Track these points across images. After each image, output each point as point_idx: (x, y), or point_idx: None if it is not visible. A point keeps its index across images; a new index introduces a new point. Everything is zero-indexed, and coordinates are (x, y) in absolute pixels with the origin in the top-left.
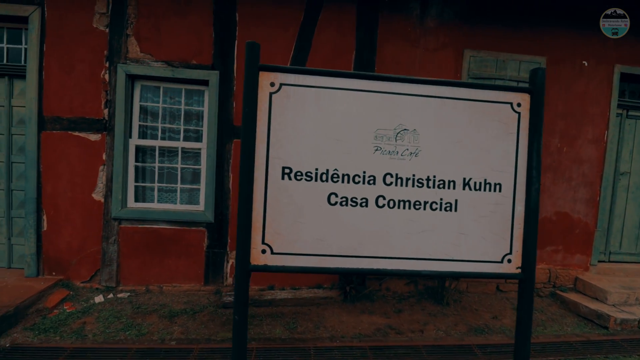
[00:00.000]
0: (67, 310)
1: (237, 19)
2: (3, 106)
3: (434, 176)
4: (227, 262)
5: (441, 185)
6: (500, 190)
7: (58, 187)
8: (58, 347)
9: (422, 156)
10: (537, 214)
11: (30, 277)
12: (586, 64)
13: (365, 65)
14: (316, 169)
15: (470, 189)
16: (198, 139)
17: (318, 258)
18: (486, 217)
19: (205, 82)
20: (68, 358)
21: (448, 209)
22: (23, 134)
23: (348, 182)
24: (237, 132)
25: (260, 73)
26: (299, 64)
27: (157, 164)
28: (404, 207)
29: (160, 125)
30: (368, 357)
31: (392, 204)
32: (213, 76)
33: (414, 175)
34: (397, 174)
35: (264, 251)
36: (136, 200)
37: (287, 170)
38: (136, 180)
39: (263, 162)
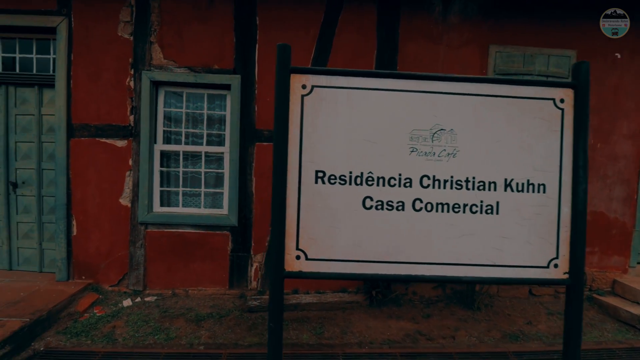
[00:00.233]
0: (97, 314)
1: (257, 23)
2: (33, 115)
3: (473, 177)
4: (251, 265)
5: (481, 187)
6: (544, 191)
7: (87, 192)
8: (90, 351)
9: (460, 157)
10: (585, 215)
11: (61, 281)
12: (619, 57)
13: (386, 65)
14: (350, 172)
15: (512, 190)
16: (220, 143)
17: (354, 264)
18: (530, 220)
19: (227, 87)
20: None
21: (489, 211)
22: (53, 142)
23: (383, 185)
24: (260, 135)
25: (292, 75)
26: (320, 66)
27: (181, 169)
28: (443, 211)
29: (183, 130)
30: None
31: (430, 207)
32: (235, 80)
33: (452, 176)
34: (434, 176)
35: (298, 257)
36: (161, 204)
37: (320, 174)
38: (161, 185)
39: (296, 166)
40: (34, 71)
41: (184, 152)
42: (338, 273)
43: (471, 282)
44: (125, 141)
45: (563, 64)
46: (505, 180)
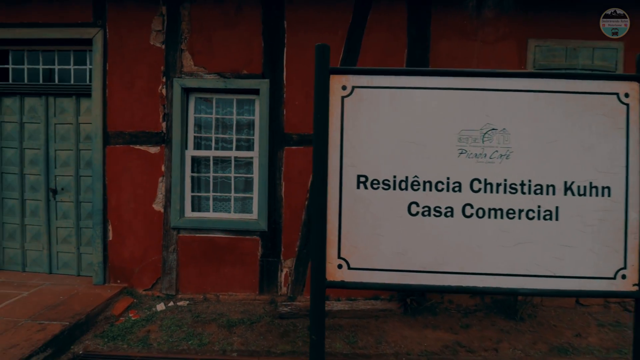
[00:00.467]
0: (132, 318)
1: (285, 26)
2: (71, 124)
3: (529, 180)
4: (281, 271)
5: (538, 191)
6: (609, 195)
7: (121, 198)
8: (126, 356)
9: (514, 158)
10: None
11: (98, 285)
12: None
13: (418, 64)
14: (394, 177)
15: (572, 194)
16: (249, 147)
17: (399, 274)
18: (594, 226)
19: (255, 91)
20: None
21: (547, 217)
22: (89, 149)
23: (430, 189)
24: (288, 139)
25: (331, 76)
26: (349, 66)
27: (211, 174)
28: (496, 217)
29: (213, 135)
30: None
31: (482, 213)
32: (263, 84)
33: (505, 180)
34: (485, 179)
35: (340, 266)
36: (192, 209)
37: (362, 179)
38: (192, 190)
39: (337, 171)
40: (72, 82)
41: (214, 157)
42: (382, 283)
43: (528, 295)
44: (158, 147)
45: (609, 57)
46: (565, 183)
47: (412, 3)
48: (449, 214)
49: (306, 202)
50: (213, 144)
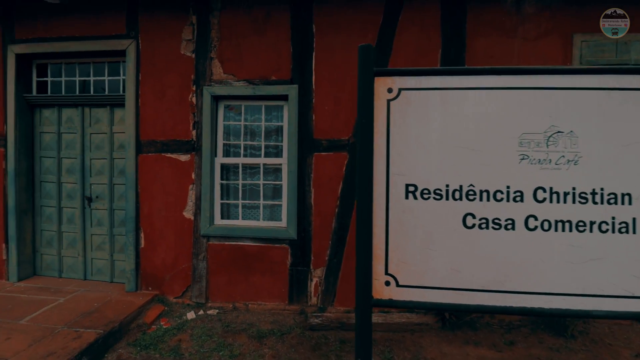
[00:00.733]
0: (164, 327)
1: (313, 30)
2: (105, 133)
3: (602, 189)
4: (311, 280)
5: (612, 200)
6: None
7: (153, 206)
8: None
9: (584, 164)
10: None
11: (130, 292)
12: None
13: (453, 63)
14: (447, 186)
15: None
16: (278, 154)
17: (453, 293)
18: None
19: (284, 97)
20: None
21: (623, 230)
22: (122, 158)
23: (488, 199)
24: (318, 145)
25: (376, 79)
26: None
27: (240, 181)
28: (563, 230)
29: (242, 142)
30: None
31: (547, 225)
32: (292, 90)
33: (574, 188)
34: (551, 188)
35: (387, 283)
36: (222, 217)
37: (411, 188)
38: (221, 198)
39: (383, 179)
40: (106, 92)
41: (242, 164)
42: (434, 303)
43: (603, 318)
44: (188, 155)
45: None
46: None
47: (445, 1)
48: (509, 226)
49: (336, 210)
50: (242, 151)
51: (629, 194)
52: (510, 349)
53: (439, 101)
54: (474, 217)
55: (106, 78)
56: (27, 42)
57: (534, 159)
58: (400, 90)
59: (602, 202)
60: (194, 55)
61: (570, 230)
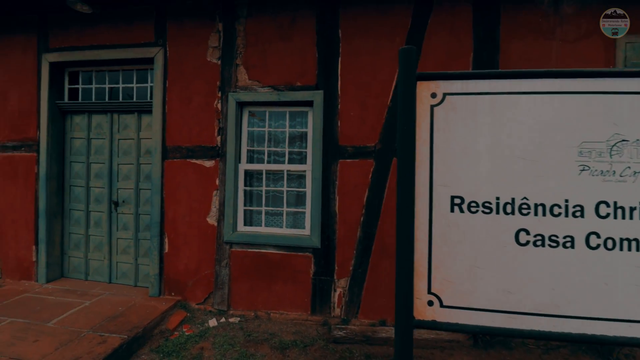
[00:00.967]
0: (186, 333)
1: (339, 35)
2: (133, 139)
3: None
4: (334, 291)
5: None
6: None
7: (178, 211)
8: None
9: None
10: None
11: (153, 297)
12: None
13: (486, 66)
14: (497, 198)
15: None
16: (302, 160)
17: (504, 316)
18: None
19: (309, 103)
20: None
21: None
22: (149, 163)
23: (543, 214)
24: (343, 152)
25: (418, 83)
26: None
27: (264, 188)
28: (630, 249)
29: (266, 149)
30: None
31: (611, 244)
32: (317, 96)
33: None
34: (615, 203)
35: (430, 303)
36: (245, 224)
37: (457, 201)
38: (244, 204)
39: (426, 191)
40: (134, 99)
41: (266, 170)
42: (482, 327)
43: None
44: (213, 161)
45: None
46: None
47: (478, 3)
48: (568, 244)
49: (362, 218)
50: (265, 158)
51: None
52: None
53: (488, 107)
54: (527, 233)
55: (134, 85)
56: (60, 51)
57: (596, 170)
58: (445, 95)
59: None
60: (219, 62)
61: (637, 249)
